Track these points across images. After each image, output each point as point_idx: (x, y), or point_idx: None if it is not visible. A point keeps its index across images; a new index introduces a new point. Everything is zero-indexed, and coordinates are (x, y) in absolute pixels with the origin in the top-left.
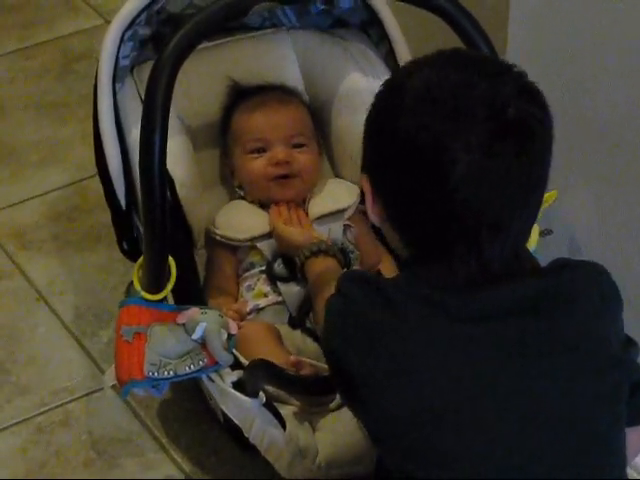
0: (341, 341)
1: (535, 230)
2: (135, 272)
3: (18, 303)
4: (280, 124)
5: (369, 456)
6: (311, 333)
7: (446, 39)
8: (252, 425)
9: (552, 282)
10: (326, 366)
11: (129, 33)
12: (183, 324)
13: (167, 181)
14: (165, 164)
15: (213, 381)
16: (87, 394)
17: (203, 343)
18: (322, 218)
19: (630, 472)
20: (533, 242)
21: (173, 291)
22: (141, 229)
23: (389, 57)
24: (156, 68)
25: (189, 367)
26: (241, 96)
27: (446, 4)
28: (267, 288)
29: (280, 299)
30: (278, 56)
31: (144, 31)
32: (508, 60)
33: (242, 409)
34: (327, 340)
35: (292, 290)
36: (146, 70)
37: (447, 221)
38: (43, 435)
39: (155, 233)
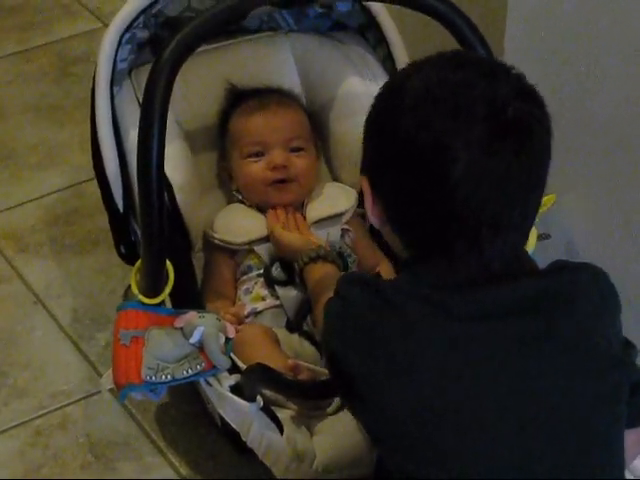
0: (341, 343)
1: (533, 234)
2: (133, 276)
3: (16, 306)
4: (278, 127)
5: (367, 459)
6: (309, 337)
7: (444, 42)
8: (250, 429)
9: (552, 282)
10: (324, 370)
11: (127, 36)
12: (181, 328)
13: (165, 185)
14: (163, 168)
15: (211, 385)
16: (85, 397)
17: (201, 347)
18: (320, 222)
19: (627, 474)
20: (531, 245)
21: (171, 295)
22: (139, 233)
23: (387, 60)
24: (154, 71)
25: (187, 371)
26: (239, 99)
27: (442, 6)
28: (265, 292)
29: (278, 303)
30: (276, 59)
31: (142, 34)
32: (506, 62)
33: (240, 413)
34: (327, 342)
35: (290, 294)
36: (144, 73)
37: (447, 220)
38: (41, 438)
39: (153, 237)
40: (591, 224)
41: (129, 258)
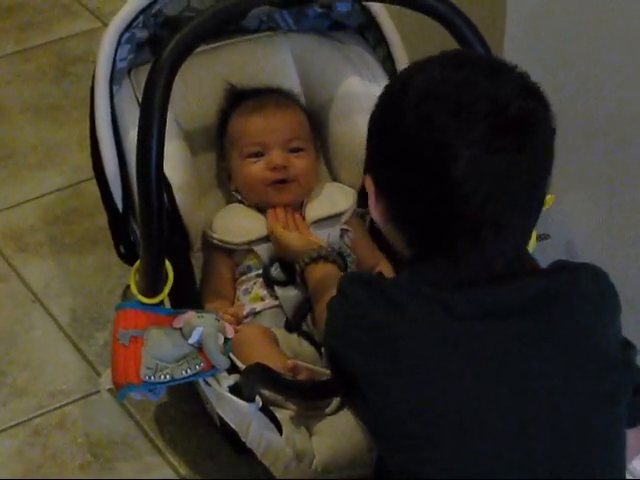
0: (344, 342)
1: (533, 234)
2: (132, 276)
3: (14, 306)
4: (277, 128)
5: (366, 459)
6: (308, 337)
7: (443, 42)
8: (248, 429)
9: (552, 282)
10: (323, 370)
11: (126, 36)
12: (180, 328)
13: (164, 185)
14: (162, 167)
15: (210, 385)
16: (83, 397)
17: (200, 347)
18: (319, 222)
19: (627, 475)
20: (531, 246)
21: (170, 295)
22: (138, 233)
23: (387, 60)
24: (153, 71)
25: (186, 371)
26: (238, 99)
27: (442, 7)
28: (264, 292)
29: (277, 303)
30: (276, 59)
31: (141, 34)
32: None
33: (239, 413)
34: (329, 341)
35: (289, 294)
36: (143, 73)
37: (449, 218)
38: (39, 438)
39: (152, 237)
40: (591, 224)
41: (128, 258)
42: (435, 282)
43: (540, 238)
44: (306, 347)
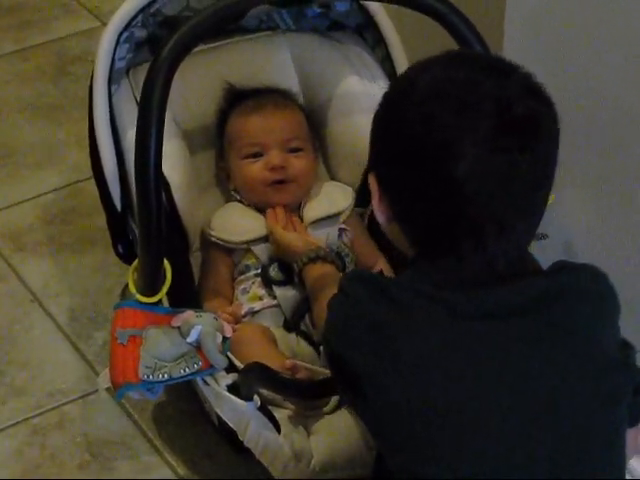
0: (344, 340)
1: None
2: (130, 275)
3: (13, 305)
4: (276, 128)
5: (364, 459)
6: (306, 337)
7: (442, 42)
8: (247, 428)
9: (552, 283)
10: (321, 370)
11: (125, 35)
12: (178, 327)
13: (163, 184)
14: (161, 167)
15: (208, 384)
16: (82, 396)
17: (198, 346)
18: (318, 222)
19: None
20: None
21: (168, 294)
22: (136, 232)
23: (385, 61)
24: (152, 70)
25: (184, 370)
26: (237, 99)
27: (440, 6)
28: (262, 291)
29: (275, 303)
30: (274, 59)
31: (140, 33)
32: None
33: (237, 412)
34: (329, 340)
35: (287, 294)
36: (142, 72)
37: (452, 217)
38: (38, 437)
39: (150, 236)
40: (590, 224)
41: (127, 257)
42: (437, 281)
43: (538, 238)
44: (304, 347)
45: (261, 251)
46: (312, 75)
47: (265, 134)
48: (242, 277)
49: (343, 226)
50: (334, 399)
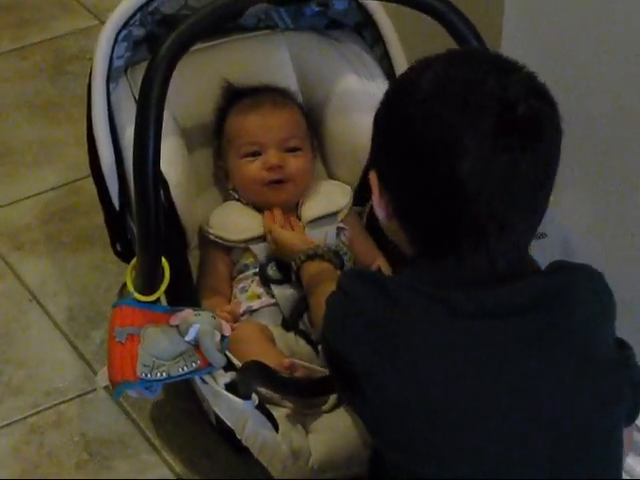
0: (342, 338)
1: None
2: (128, 273)
3: (11, 304)
4: (274, 127)
5: (362, 458)
6: (304, 335)
7: (442, 41)
8: (245, 427)
9: (551, 283)
10: (319, 368)
11: (123, 33)
12: (176, 325)
13: (161, 182)
14: (159, 165)
15: (206, 383)
16: (80, 395)
17: (196, 344)
18: (316, 221)
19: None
20: None
21: (166, 292)
22: (135, 230)
23: (384, 59)
24: (150, 68)
25: (182, 368)
26: (235, 98)
27: (439, 5)
28: (260, 290)
29: (273, 301)
30: (273, 57)
31: (138, 32)
32: None
33: (235, 411)
34: (327, 338)
35: (285, 292)
36: (140, 71)
37: (452, 215)
38: (35, 436)
39: (149, 234)
40: (588, 224)
41: (125, 256)
42: (437, 280)
43: (537, 237)
44: (303, 345)
45: (259, 250)
46: (310, 74)
47: (263, 133)
48: (241, 276)
49: (341, 225)
50: (332, 398)
